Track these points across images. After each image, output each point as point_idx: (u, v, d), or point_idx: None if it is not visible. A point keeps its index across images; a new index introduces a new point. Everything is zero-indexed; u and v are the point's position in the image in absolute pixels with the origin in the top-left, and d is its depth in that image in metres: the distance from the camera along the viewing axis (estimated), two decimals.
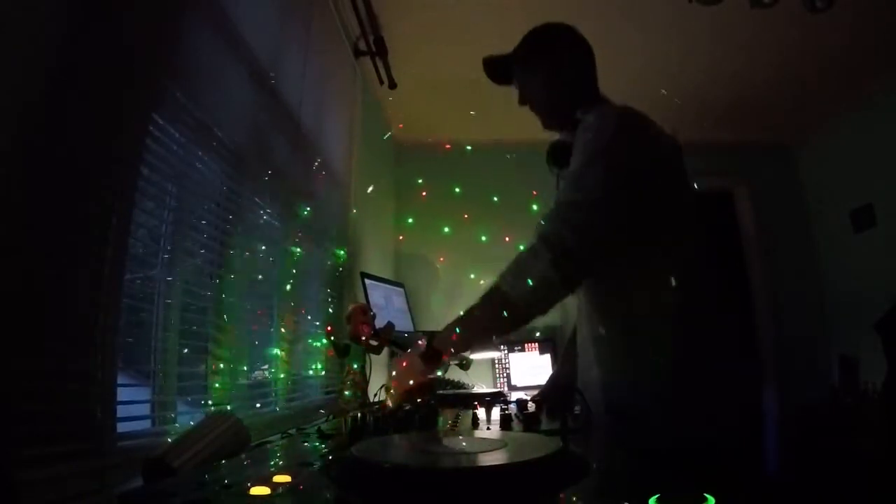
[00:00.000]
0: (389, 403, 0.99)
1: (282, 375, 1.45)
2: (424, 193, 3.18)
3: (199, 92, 1.03)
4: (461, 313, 0.97)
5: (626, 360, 0.96)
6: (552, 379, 1.45)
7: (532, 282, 0.87)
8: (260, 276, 1.35)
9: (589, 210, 0.88)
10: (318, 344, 1.67)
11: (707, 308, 0.96)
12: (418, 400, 0.98)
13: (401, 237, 3.08)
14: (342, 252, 1.95)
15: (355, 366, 1.27)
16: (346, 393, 1.21)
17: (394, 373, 1.00)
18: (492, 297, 0.92)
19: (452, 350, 0.98)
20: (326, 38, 1.92)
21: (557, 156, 1.11)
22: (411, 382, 0.97)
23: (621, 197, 0.88)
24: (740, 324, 3.12)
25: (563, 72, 1.08)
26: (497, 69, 1.17)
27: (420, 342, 1.00)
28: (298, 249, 1.57)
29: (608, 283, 0.99)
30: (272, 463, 0.67)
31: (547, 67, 1.09)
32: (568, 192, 0.93)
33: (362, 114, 2.31)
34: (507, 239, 2.43)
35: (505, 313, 0.89)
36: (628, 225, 0.89)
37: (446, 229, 3.09)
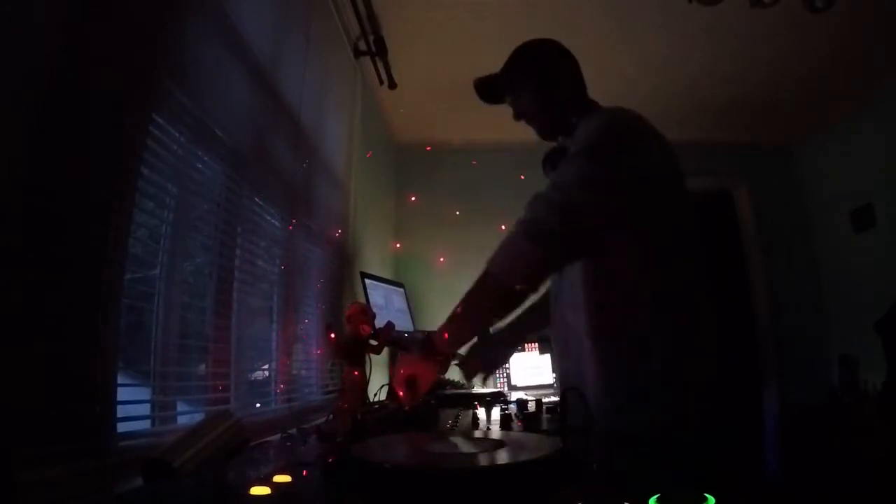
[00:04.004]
0: (392, 399, 1.00)
1: (281, 375, 1.45)
2: (424, 193, 3.19)
3: (199, 92, 1.03)
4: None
5: (622, 352, 0.96)
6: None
7: (516, 260, 0.93)
8: (260, 276, 1.35)
9: (565, 190, 0.93)
10: (318, 340, 1.67)
11: (701, 304, 0.97)
12: (417, 393, 0.97)
13: (398, 245, 3.10)
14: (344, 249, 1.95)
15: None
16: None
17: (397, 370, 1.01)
18: (482, 282, 0.97)
19: (453, 341, 0.99)
20: (326, 38, 1.92)
21: (555, 161, 1.15)
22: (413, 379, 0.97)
23: (599, 181, 0.92)
24: (735, 320, 3.11)
25: (551, 82, 1.14)
26: (488, 90, 1.24)
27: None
28: (299, 249, 1.57)
29: (602, 278, 0.99)
30: (272, 463, 0.67)
31: (535, 81, 1.15)
32: (553, 177, 0.98)
33: (362, 114, 2.31)
34: None
35: (496, 295, 0.96)
36: (609, 207, 0.92)
37: (446, 229, 3.09)
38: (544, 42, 1.19)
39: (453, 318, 0.98)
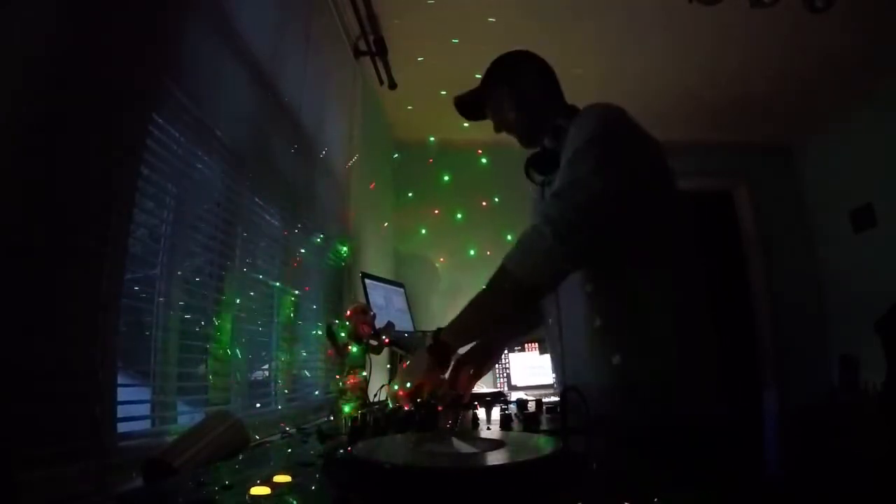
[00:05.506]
0: (390, 404, 0.99)
1: (282, 375, 1.45)
2: (424, 194, 3.19)
3: (199, 92, 1.03)
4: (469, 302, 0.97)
5: (626, 353, 0.96)
6: None
7: (537, 258, 0.90)
8: (260, 276, 1.35)
9: (587, 186, 0.90)
10: (318, 340, 1.67)
11: (704, 305, 0.97)
12: (420, 400, 0.97)
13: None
14: (344, 248, 1.95)
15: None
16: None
17: (399, 375, 0.99)
18: (498, 278, 0.94)
19: (464, 338, 0.97)
20: (326, 38, 1.92)
21: (544, 163, 1.13)
22: (412, 384, 0.96)
23: (617, 173, 0.91)
24: (735, 320, 3.11)
25: (528, 92, 1.16)
26: (468, 107, 1.25)
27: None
28: (299, 249, 1.57)
29: (609, 277, 0.99)
30: (272, 463, 0.67)
31: (512, 92, 1.16)
32: (566, 175, 0.94)
33: (362, 114, 2.31)
34: (508, 237, 2.44)
35: (513, 292, 0.92)
36: (627, 201, 0.91)
37: (446, 229, 3.09)
38: (518, 53, 1.22)
39: (463, 316, 0.96)
